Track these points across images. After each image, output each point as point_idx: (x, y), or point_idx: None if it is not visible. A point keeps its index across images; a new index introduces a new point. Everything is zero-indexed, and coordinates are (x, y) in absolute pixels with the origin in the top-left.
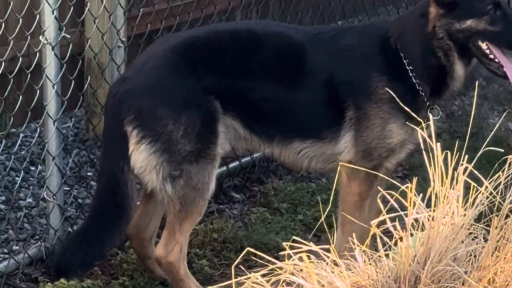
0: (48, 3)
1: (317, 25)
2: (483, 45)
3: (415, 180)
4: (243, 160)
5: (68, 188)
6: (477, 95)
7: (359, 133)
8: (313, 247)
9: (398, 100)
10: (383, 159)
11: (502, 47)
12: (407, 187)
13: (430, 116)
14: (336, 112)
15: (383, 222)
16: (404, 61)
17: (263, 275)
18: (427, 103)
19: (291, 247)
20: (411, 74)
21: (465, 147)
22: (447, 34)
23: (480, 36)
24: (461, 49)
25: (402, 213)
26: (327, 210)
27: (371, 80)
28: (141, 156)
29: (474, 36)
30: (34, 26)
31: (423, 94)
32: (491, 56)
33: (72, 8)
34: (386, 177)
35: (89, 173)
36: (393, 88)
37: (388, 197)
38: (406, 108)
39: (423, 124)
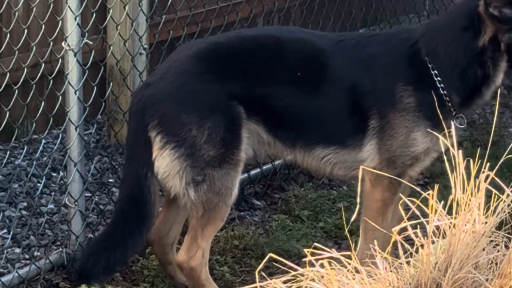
0: (71, 10)
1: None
2: None
3: (436, 187)
4: (264, 167)
5: (90, 195)
6: (499, 103)
7: (383, 142)
8: (335, 253)
9: (423, 108)
10: (407, 167)
11: None
12: (428, 195)
13: (453, 125)
14: (360, 120)
15: (404, 229)
16: (432, 72)
17: (284, 282)
18: (453, 113)
19: (312, 254)
20: (439, 85)
21: (486, 156)
22: (506, 45)
23: None
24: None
25: (423, 220)
26: (348, 217)
27: (396, 89)
28: (165, 161)
29: None
30: (56, 32)
31: (449, 104)
32: None
33: (94, 14)
34: (410, 184)
35: (110, 180)
36: (418, 97)
37: (410, 204)
38: (439, 115)
39: (446, 132)
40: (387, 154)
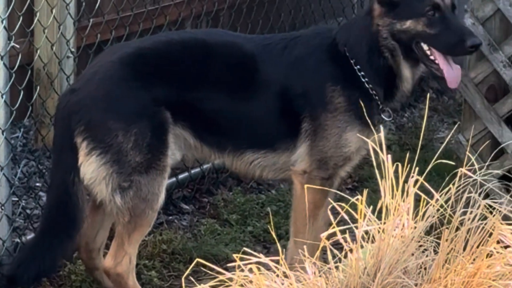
0: None
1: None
2: (425, 46)
3: (365, 192)
4: (192, 171)
5: (17, 199)
6: (427, 107)
7: (315, 143)
8: (263, 258)
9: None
10: (339, 167)
11: (438, 50)
12: (357, 199)
13: (382, 129)
14: (290, 123)
15: (333, 234)
16: (355, 67)
17: (212, 287)
18: (381, 107)
19: (241, 259)
20: (363, 80)
21: (415, 160)
22: (391, 35)
23: (419, 37)
24: (406, 50)
25: (352, 225)
26: (277, 221)
27: (325, 90)
28: (91, 168)
29: (415, 38)
30: None
31: (376, 98)
32: (432, 58)
33: (21, 18)
34: (336, 191)
35: (37, 184)
36: (348, 96)
37: (339, 209)
38: (369, 112)
39: (377, 135)
40: (319, 155)
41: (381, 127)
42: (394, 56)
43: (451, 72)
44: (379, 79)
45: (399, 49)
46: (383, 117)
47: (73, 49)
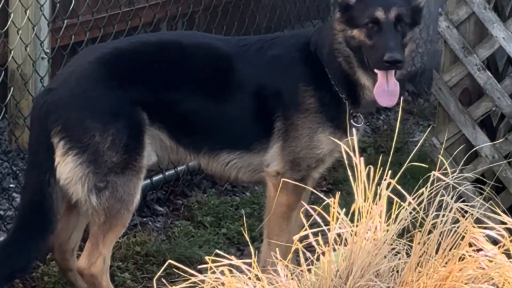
0: None
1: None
2: None
3: (338, 194)
4: (167, 173)
5: None
6: (403, 110)
7: (287, 143)
8: (235, 261)
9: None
10: (312, 169)
11: (369, 62)
12: (330, 201)
13: (354, 131)
14: (264, 123)
15: (305, 236)
16: (326, 69)
17: None
18: (350, 111)
19: (214, 261)
20: (332, 82)
21: (389, 162)
22: (344, 40)
23: (363, 47)
24: (361, 59)
25: (325, 227)
26: (251, 223)
27: (297, 90)
28: (67, 168)
29: (361, 47)
30: None
31: (346, 102)
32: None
33: None
34: (313, 190)
35: (11, 185)
36: (319, 97)
37: (311, 211)
38: (340, 115)
39: (349, 138)
40: (291, 156)
41: (354, 130)
42: (349, 63)
43: (383, 88)
44: (341, 84)
45: (354, 57)
46: (352, 122)
47: (47, 50)
